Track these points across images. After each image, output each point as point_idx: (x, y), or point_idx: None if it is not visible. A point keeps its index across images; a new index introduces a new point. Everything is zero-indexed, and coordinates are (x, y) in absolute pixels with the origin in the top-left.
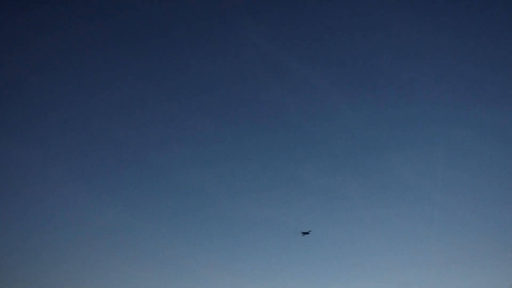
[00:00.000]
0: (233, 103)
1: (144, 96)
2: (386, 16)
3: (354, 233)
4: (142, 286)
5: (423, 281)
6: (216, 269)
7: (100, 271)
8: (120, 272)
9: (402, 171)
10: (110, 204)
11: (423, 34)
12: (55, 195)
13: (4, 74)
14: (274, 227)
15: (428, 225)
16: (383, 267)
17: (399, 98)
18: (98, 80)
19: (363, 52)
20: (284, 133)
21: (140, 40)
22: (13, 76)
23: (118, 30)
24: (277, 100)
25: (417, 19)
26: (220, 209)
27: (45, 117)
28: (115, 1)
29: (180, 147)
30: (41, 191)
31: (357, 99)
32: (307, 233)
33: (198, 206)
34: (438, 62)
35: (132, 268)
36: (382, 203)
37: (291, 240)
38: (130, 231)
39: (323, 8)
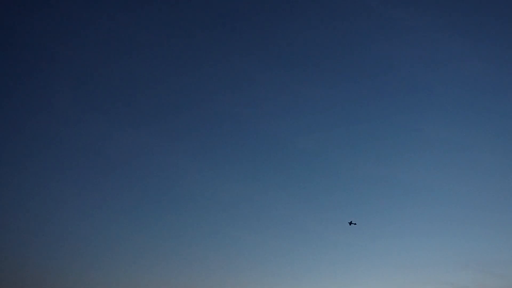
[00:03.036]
0: (341, 66)
1: (252, 69)
2: None
3: (480, 185)
4: (270, 253)
5: None
6: (337, 228)
7: (228, 241)
8: (248, 241)
9: None
10: (232, 177)
11: None
12: (182, 171)
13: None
14: (390, 183)
15: None
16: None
17: None
18: (206, 59)
19: None
20: (397, 86)
21: (246, 13)
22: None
23: (223, 5)
24: (386, 53)
25: None
26: (340, 173)
27: (164, 104)
28: None
29: (293, 116)
30: (169, 170)
31: (474, 40)
32: (354, 223)
33: (317, 172)
34: None
35: (257, 236)
36: None
37: (406, 196)
38: (253, 201)
39: None
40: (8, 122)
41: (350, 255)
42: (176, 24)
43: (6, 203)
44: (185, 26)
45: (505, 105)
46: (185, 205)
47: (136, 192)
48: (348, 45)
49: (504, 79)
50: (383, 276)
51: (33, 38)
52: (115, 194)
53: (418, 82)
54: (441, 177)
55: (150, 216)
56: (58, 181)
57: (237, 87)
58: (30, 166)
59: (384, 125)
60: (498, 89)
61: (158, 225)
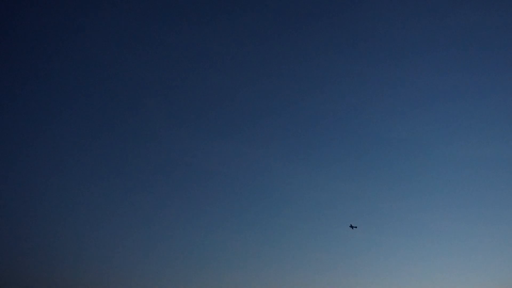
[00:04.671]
0: (419, 58)
1: (337, 65)
2: None
3: None
4: (378, 250)
5: None
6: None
7: (335, 240)
8: (357, 239)
9: None
10: (331, 176)
11: None
12: (280, 175)
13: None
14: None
15: None
16: None
17: None
18: (289, 60)
19: None
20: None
21: (331, 9)
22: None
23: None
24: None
25: None
26: (440, 159)
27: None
28: None
29: (384, 107)
30: (267, 174)
31: None
32: (355, 227)
33: (414, 161)
34: None
35: (365, 234)
36: None
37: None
38: (356, 199)
39: None
40: (101, 133)
41: (468, 247)
42: (260, 28)
43: (102, 213)
44: (268, 28)
45: None
46: (287, 208)
47: (238, 200)
48: (425, 41)
49: None
50: None
51: (123, 57)
52: (215, 203)
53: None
54: None
55: (253, 221)
56: (154, 191)
57: (323, 84)
58: (122, 178)
59: (481, 103)
60: None
61: (262, 230)
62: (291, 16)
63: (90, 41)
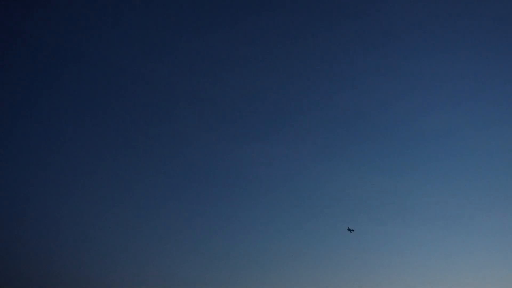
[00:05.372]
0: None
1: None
2: None
3: None
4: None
5: None
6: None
7: (379, 240)
8: (399, 236)
9: None
10: (368, 173)
11: None
12: (316, 174)
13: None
14: None
15: None
16: None
17: None
18: (312, 61)
19: None
20: None
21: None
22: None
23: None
24: None
25: None
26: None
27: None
28: None
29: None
30: (304, 174)
31: None
32: (352, 229)
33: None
34: None
35: (409, 231)
36: None
37: None
38: (392, 195)
39: None
40: (134, 141)
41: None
42: (290, 28)
43: (139, 218)
44: (298, 28)
45: None
46: (326, 207)
47: (275, 201)
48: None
49: None
50: None
51: (155, 65)
52: (252, 206)
53: None
54: None
55: (291, 222)
56: (189, 196)
57: (356, 80)
58: (158, 184)
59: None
60: None
61: (301, 231)
62: (320, 13)
63: (123, 49)
